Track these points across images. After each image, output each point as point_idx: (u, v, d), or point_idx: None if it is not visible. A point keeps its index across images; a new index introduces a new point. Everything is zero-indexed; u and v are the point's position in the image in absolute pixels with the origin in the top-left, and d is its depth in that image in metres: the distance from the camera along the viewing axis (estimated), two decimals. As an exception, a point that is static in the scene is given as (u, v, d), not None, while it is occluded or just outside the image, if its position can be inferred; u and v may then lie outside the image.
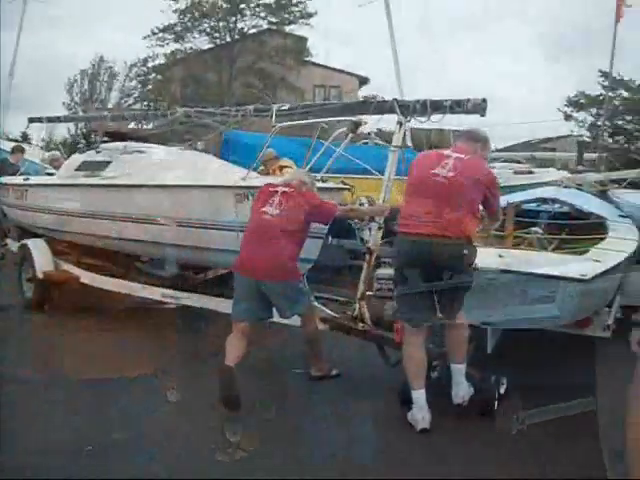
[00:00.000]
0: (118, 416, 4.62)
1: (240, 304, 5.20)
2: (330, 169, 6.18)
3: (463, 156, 4.66)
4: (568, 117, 32.27)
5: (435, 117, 5.50)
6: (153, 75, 32.33)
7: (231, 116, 7.10)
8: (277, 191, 5.26)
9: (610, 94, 27.32)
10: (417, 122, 5.65)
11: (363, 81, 34.46)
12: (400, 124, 5.59)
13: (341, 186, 6.10)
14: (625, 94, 28.45)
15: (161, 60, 31.63)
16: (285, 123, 6.65)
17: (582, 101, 31.14)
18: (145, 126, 13.24)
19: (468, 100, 5.22)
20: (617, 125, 26.50)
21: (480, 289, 4.70)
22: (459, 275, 4.49)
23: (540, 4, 57.53)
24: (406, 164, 5.55)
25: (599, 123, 26.31)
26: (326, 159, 6.27)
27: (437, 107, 5.41)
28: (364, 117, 6.02)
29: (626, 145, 30.12)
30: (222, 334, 5.19)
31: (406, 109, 5.53)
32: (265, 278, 5.08)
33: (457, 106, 5.29)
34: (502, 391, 4.85)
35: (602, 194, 11.57)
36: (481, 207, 4.81)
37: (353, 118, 5.95)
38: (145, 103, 31.51)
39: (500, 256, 5.25)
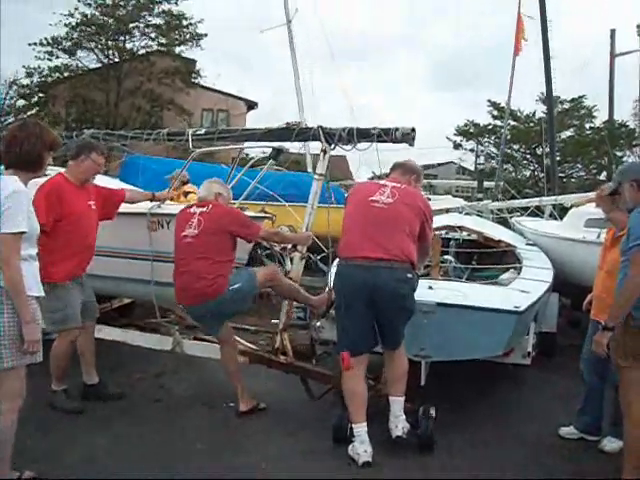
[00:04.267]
0: None
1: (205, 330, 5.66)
2: (249, 196, 6.01)
3: (399, 185, 4.71)
4: (457, 146, 33.47)
5: (361, 145, 5.41)
6: (36, 90, 30.65)
7: (143, 140, 6.77)
8: (195, 212, 5.11)
9: (499, 123, 28.64)
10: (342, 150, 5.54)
11: (251, 106, 34.39)
12: (324, 152, 5.47)
13: (262, 215, 5.93)
14: (513, 123, 29.73)
15: (45, 73, 30.02)
16: (205, 149, 6.43)
17: (471, 130, 32.29)
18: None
19: (397, 129, 5.16)
20: (506, 153, 27.57)
21: (413, 321, 4.61)
22: (403, 301, 4.43)
23: (434, 35, 59.52)
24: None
25: (496, 152, 27.32)
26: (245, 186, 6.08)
27: (364, 135, 5.34)
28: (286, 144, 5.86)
29: (514, 173, 31.59)
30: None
31: (331, 137, 5.42)
32: (202, 302, 4.98)
33: (385, 135, 5.23)
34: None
35: (503, 221, 12.01)
36: None
37: (275, 144, 5.80)
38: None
39: (430, 288, 5.19)
